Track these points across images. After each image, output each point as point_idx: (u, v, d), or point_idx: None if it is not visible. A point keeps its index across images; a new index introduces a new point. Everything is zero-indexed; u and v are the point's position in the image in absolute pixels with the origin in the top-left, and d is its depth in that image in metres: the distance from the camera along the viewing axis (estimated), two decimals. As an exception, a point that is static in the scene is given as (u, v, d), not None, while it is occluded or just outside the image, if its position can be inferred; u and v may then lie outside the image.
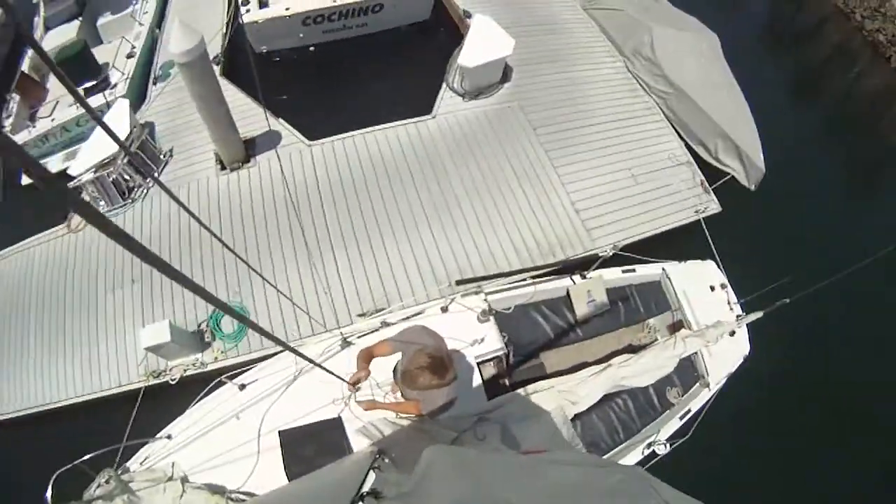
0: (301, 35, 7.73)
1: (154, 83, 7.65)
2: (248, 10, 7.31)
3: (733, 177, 7.40)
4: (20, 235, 6.83)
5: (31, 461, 5.11)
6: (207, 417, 4.01)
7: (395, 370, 3.51)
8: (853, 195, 9.06)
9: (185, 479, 3.77)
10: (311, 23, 7.59)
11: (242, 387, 4.06)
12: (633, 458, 4.42)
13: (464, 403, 3.73)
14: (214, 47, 7.62)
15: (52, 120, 7.33)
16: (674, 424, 4.66)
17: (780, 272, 4.55)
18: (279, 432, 3.90)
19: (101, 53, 7.74)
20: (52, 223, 6.76)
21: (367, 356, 3.09)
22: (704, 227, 6.48)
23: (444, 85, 7.60)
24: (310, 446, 3.88)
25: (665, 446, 4.44)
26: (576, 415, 4.28)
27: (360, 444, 3.78)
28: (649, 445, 4.44)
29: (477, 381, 4.23)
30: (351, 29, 7.97)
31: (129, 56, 7.67)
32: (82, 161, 6.54)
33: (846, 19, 12.37)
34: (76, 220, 6.83)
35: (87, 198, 6.74)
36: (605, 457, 4.47)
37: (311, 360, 2.79)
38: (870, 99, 11.44)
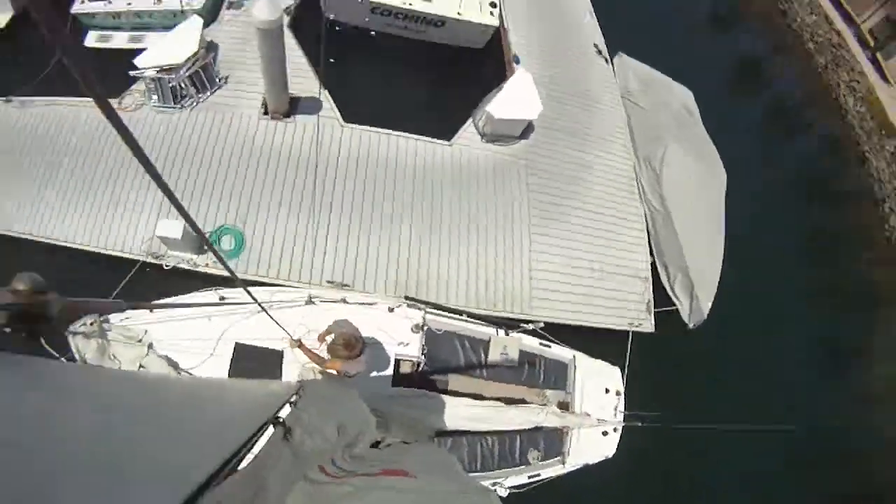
0: (367, 19, 8.33)
1: (228, 7, 8.22)
2: (330, -25, 7.80)
3: (677, 309, 7.84)
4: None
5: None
6: (186, 308, 4.99)
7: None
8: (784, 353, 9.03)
9: (150, 346, 4.83)
10: (379, 13, 8.19)
11: (222, 298, 4.94)
12: None
13: (374, 379, 5.08)
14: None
15: (129, 4, 7.95)
16: (521, 479, 5.42)
17: (675, 405, 5.24)
18: (236, 343, 4.94)
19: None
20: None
21: (325, 332, 4.58)
22: (631, 339, 7.12)
23: (469, 119, 8.35)
24: (253, 364, 4.98)
25: (505, 491, 5.25)
26: (451, 432, 5.41)
27: (289, 377, 4.91)
28: (493, 484, 5.28)
29: (390, 370, 5.38)
30: (411, 31, 8.54)
31: (214, -26, 8.13)
32: (149, 57, 7.32)
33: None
34: (127, 101, 7.67)
35: (143, 87, 7.56)
36: None
37: (261, 306, 3.44)
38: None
